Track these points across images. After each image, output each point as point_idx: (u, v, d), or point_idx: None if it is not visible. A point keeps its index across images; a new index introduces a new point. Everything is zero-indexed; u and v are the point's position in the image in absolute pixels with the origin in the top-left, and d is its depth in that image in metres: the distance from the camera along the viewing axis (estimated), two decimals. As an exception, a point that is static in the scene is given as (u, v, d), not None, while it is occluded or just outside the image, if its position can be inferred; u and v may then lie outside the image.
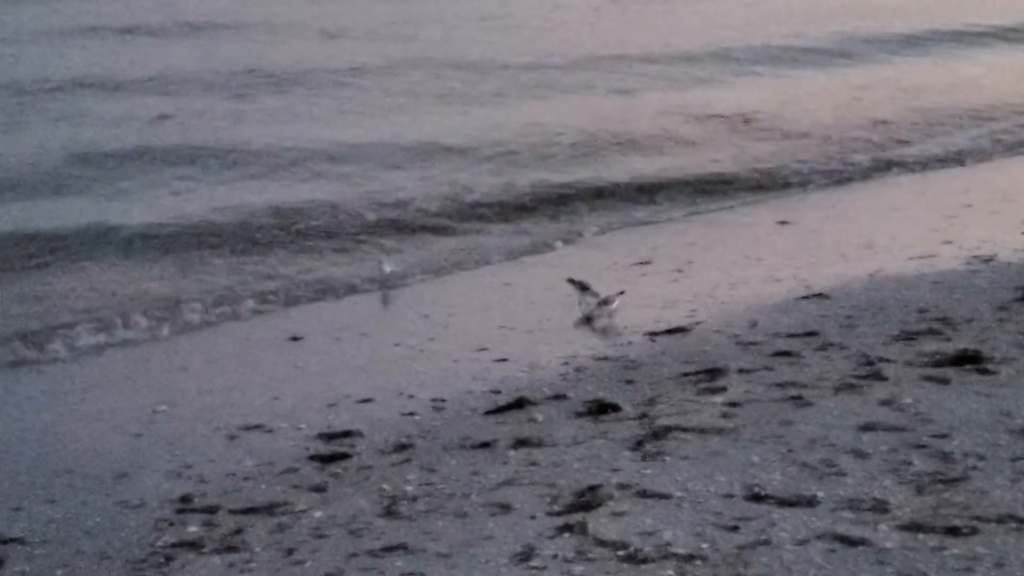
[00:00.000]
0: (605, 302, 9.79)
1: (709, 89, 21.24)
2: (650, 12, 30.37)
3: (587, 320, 9.79)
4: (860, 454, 6.15)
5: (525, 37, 25.76)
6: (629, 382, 7.90)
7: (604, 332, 9.50)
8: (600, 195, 14.34)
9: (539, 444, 6.76)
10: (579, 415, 7.26)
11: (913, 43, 26.19)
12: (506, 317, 9.98)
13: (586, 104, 19.59)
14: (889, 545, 5.10)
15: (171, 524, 6.07)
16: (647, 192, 14.54)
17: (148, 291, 10.70)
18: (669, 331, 9.16)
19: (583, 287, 9.98)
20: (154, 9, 27.20)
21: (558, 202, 13.98)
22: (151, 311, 10.02)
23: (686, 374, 7.91)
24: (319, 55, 22.78)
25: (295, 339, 9.63)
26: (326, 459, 6.92)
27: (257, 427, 7.60)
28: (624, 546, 5.23)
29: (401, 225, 12.98)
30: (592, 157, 16.13)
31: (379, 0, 29.47)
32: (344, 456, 6.94)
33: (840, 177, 15.65)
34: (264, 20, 26.24)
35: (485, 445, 6.86)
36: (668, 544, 5.23)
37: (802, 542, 5.17)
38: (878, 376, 7.43)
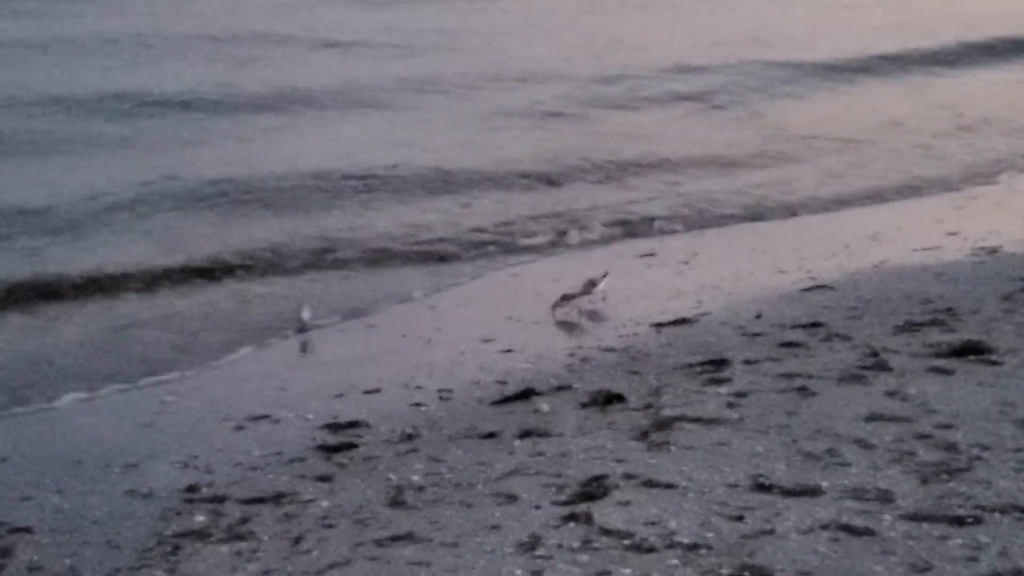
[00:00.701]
0: (565, 297, 9.76)
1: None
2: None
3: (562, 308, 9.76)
4: (865, 444, 6.16)
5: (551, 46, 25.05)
6: (634, 373, 7.92)
7: (569, 327, 9.53)
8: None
9: (545, 434, 6.79)
10: (585, 406, 7.28)
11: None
12: (512, 308, 10.00)
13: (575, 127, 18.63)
14: (893, 535, 5.12)
15: (178, 514, 6.10)
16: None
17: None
18: (674, 322, 9.18)
19: (591, 282, 9.97)
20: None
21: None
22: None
23: (691, 365, 7.93)
24: (324, 70, 21.90)
25: (302, 330, 9.68)
26: (333, 449, 6.95)
27: (264, 417, 7.63)
28: (629, 535, 5.25)
29: (424, 253, 12.33)
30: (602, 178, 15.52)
31: (378, 9, 28.78)
32: (351, 446, 6.97)
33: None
34: (258, 31, 25.27)
35: (491, 435, 6.89)
36: (673, 533, 5.25)
37: (807, 532, 5.19)
38: (883, 367, 7.44)
